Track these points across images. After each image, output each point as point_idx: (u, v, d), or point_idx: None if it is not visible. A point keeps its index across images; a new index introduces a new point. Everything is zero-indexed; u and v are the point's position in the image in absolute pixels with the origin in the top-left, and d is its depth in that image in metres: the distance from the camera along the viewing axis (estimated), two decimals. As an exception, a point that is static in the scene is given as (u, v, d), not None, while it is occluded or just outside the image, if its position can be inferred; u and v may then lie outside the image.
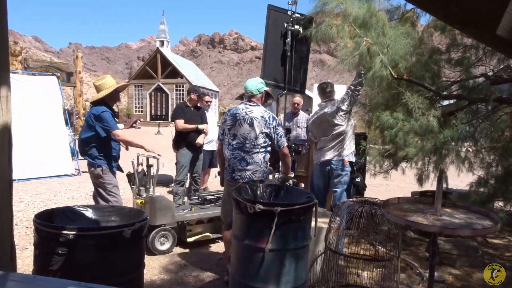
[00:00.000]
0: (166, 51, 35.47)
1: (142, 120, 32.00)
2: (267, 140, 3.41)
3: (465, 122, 3.62)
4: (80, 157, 8.45)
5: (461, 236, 3.88)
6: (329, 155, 4.23)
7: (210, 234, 4.46)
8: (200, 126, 5.64)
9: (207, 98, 6.57)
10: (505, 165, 3.92)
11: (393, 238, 2.88)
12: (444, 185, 3.60)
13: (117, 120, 4.02)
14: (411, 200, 2.83)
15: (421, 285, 3.38)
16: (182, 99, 32.20)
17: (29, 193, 6.69)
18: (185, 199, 4.87)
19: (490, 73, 4.12)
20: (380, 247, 3.16)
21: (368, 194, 5.70)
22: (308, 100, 19.21)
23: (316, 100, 4.61)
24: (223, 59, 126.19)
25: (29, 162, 7.81)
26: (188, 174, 5.84)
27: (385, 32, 3.53)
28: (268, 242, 2.44)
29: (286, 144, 3.50)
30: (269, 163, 3.60)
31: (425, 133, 3.41)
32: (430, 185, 4.17)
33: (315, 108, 4.70)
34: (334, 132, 4.20)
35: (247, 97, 3.53)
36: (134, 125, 26.40)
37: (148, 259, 3.72)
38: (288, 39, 4.50)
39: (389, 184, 9.16)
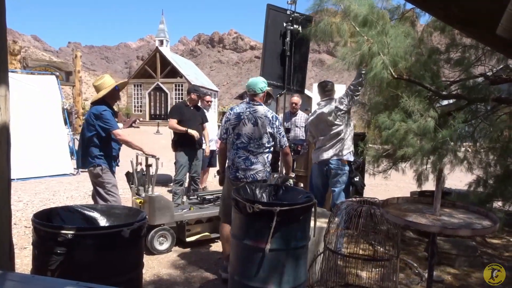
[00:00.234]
0: (166, 50, 35.44)
1: (141, 119, 31.97)
2: (270, 140, 3.42)
3: (463, 122, 3.62)
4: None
5: (460, 236, 3.88)
6: (328, 154, 4.22)
7: (209, 234, 4.46)
8: (190, 131, 5.48)
9: (208, 98, 6.60)
10: (504, 165, 3.92)
11: (392, 238, 2.88)
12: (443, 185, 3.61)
13: (116, 119, 4.01)
14: (410, 200, 2.83)
15: (420, 285, 3.38)
16: (182, 98, 32.18)
17: (28, 193, 6.68)
18: (184, 198, 4.87)
19: (490, 73, 4.12)
20: (379, 247, 3.16)
21: (367, 194, 5.70)
22: (308, 99, 19.18)
23: (316, 99, 4.61)
24: (222, 58, 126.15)
25: (28, 162, 7.80)
26: (188, 174, 5.83)
27: (386, 30, 3.52)
28: (267, 242, 2.44)
29: (287, 143, 3.51)
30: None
31: (423, 133, 3.41)
32: (430, 184, 4.16)
33: (314, 107, 4.69)
34: (332, 132, 4.19)
35: (249, 95, 3.53)
36: (133, 124, 26.37)
37: (147, 259, 3.72)
38: (288, 39, 4.50)
39: (388, 184, 9.16)
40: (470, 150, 4.07)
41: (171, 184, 7.56)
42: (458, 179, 4.28)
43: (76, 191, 7.05)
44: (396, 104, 3.85)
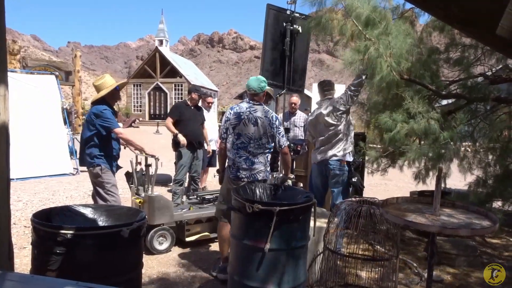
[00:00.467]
0: (165, 50, 35.43)
1: (140, 119, 31.95)
2: (270, 140, 3.42)
3: (464, 122, 3.63)
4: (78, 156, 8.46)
5: (459, 236, 3.88)
6: (326, 155, 4.21)
7: (209, 234, 4.46)
8: (179, 137, 5.49)
9: (209, 99, 6.65)
10: (504, 165, 3.92)
11: (391, 237, 2.88)
12: (443, 185, 3.61)
13: (116, 119, 4.02)
14: (410, 200, 2.82)
15: (420, 284, 3.38)
16: (181, 98, 32.17)
17: (27, 192, 6.68)
18: (184, 198, 4.86)
19: (489, 73, 4.13)
20: (378, 247, 3.16)
21: (366, 193, 5.70)
22: (307, 99, 19.19)
23: (315, 99, 4.61)
24: (222, 58, 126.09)
25: (27, 161, 7.79)
26: (188, 174, 5.83)
27: (388, 30, 3.50)
28: (267, 242, 2.43)
29: (287, 143, 3.50)
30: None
31: (425, 134, 3.41)
32: (429, 183, 4.17)
33: (314, 107, 4.68)
34: (331, 132, 4.16)
35: (249, 95, 3.51)
36: (132, 124, 26.35)
37: (146, 259, 3.72)
38: (287, 39, 4.50)
39: (388, 184, 9.16)
40: (469, 150, 4.08)
41: (171, 184, 7.57)
42: (458, 179, 4.28)
43: (75, 191, 7.05)
44: (396, 104, 3.85)
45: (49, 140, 8.57)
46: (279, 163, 4.56)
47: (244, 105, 3.46)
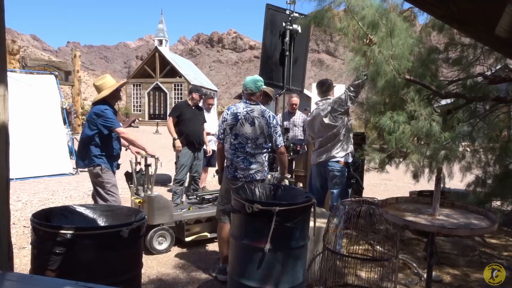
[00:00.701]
0: (165, 50, 35.43)
1: (140, 119, 31.95)
2: (267, 139, 3.42)
3: (464, 121, 3.63)
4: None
5: (459, 236, 3.88)
6: (325, 156, 4.20)
7: (208, 234, 4.46)
8: (176, 142, 5.61)
9: (210, 101, 6.70)
10: (503, 164, 3.93)
11: (391, 238, 2.88)
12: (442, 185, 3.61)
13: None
14: (409, 200, 2.83)
15: (419, 284, 3.38)
16: (181, 98, 32.19)
17: (26, 192, 6.67)
18: (184, 198, 4.86)
19: (488, 73, 4.13)
20: (378, 247, 3.16)
21: (366, 193, 5.70)
22: (307, 99, 19.22)
23: (315, 99, 4.60)
24: (221, 58, 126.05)
25: (27, 161, 7.79)
26: (188, 173, 5.84)
27: (393, 32, 3.47)
28: (267, 242, 2.43)
29: (283, 143, 3.50)
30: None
31: (426, 136, 3.41)
32: (427, 182, 4.17)
33: (313, 107, 4.67)
34: (330, 133, 4.14)
35: (246, 94, 3.51)
36: (132, 124, 26.29)
37: (146, 259, 3.72)
38: (287, 39, 4.50)
39: (387, 184, 9.17)
40: (468, 150, 4.08)
41: (170, 183, 7.57)
42: (457, 178, 4.29)
43: (75, 190, 7.05)
44: (395, 103, 3.85)
45: (48, 140, 8.57)
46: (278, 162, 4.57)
47: (241, 105, 3.46)
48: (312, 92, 17.25)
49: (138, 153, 4.28)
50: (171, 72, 34.43)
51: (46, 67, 14.36)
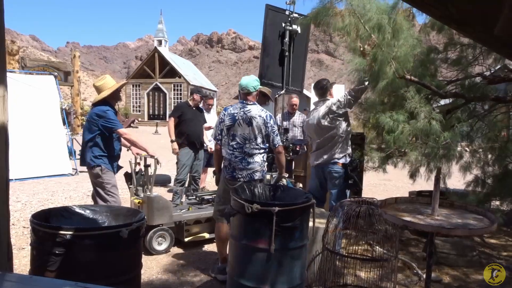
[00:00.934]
0: (164, 50, 35.44)
1: (140, 119, 31.95)
2: (265, 139, 3.42)
3: (463, 121, 3.63)
4: (77, 157, 8.45)
5: (458, 236, 3.88)
6: (323, 158, 4.20)
7: (208, 234, 4.46)
8: (173, 145, 5.69)
9: (210, 101, 6.73)
10: (503, 164, 3.93)
11: (390, 238, 2.89)
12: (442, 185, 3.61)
13: (117, 119, 4.03)
14: (409, 200, 2.83)
15: (419, 285, 3.39)
16: (180, 98, 32.22)
17: (26, 193, 6.67)
18: (183, 198, 4.87)
19: (487, 73, 4.14)
20: (377, 247, 3.16)
21: (366, 194, 5.71)
22: (306, 100, 19.23)
23: (314, 99, 4.60)
24: (221, 58, 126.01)
25: (26, 162, 7.78)
26: (188, 174, 5.86)
27: (398, 33, 3.46)
28: (271, 243, 2.43)
29: (281, 143, 3.50)
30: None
31: (426, 135, 3.41)
32: (425, 182, 4.17)
33: (312, 107, 4.67)
34: (327, 135, 4.12)
35: (242, 94, 3.51)
36: (131, 124, 26.33)
37: (145, 259, 3.72)
38: (286, 39, 4.50)
39: (387, 184, 9.18)
40: (468, 149, 4.09)
41: (170, 184, 7.58)
42: (456, 178, 4.29)
43: (74, 191, 7.04)
44: (394, 103, 3.85)
45: (48, 141, 8.57)
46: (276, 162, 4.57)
47: (237, 106, 3.46)
48: (311, 92, 17.23)
49: (138, 153, 4.29)
50: (171, 72, 34.44)
51: (45, 68, 14.37)
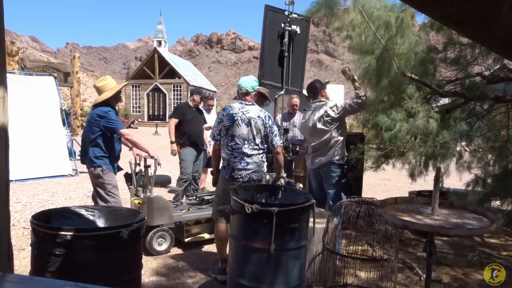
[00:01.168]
0: (164, 51, 35.44)
1: (139, 120, 31.96)
2: (264, 140, 3.42)
3: (463, 120, 3.63)
4: (77, 157, 8.45)
5: (458, 236, 3.89)
6: (319, 161, 4.22)
7: (208, 235, 4.46)
8: (173, 147, 5.75)
9: (211, 102, 6.75)
10: (503, 164, 3.93)
11: (390, 238, 2.89)
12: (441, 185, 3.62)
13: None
14: (408, 200, 2.83)
15: (419, 285, 3.39)
16: (180, 99, 32.23)
17: (26, 194, 6.67)
18: (183, 199, 4.87)
19: (487, 73, 4.14)
20: (377, 247, 3.17)
21: (366, 193, 5.71)
22: (306, 100, 19.23)
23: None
24: (220, 59, 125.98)
25: (26, 163, 7.78)
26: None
27: (403, 31, 3.46)
28: (271, 243, 2.43)
29: (280, 143, 3.50)
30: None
31: (424, 134, 3.41)
32: (423, 181, 4.17)
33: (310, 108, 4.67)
34: (322, 138, 4.14)
35: (241, 95, 3.51)
36: (131, 125, 26.36)
37: (145, 260, 3.72)
38: (286, 39, 4.50)
39: (387, 184, 9.18)
40: (468, 149, 4.09)
41: (170, 185, 7.58)
42: (456, 178, 4.29)
43: (74, 192, 7.04)
44: (393, 102, 3.85)
45: (48, 142, 8.57)
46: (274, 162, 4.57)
47: (236, 106, 3.46)
48: (311, 92, 17.20)
49: (138, 154, 4.30)
50: (170, 73, 34.45)
51: (45, 69, 14.38)
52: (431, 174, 3.90)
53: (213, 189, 5.79)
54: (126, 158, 4.35)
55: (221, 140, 3.48)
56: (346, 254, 3.04)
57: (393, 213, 2.44)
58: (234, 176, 3.37)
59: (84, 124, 4.27)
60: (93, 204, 4.08)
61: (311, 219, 2.70)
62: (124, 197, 5.83)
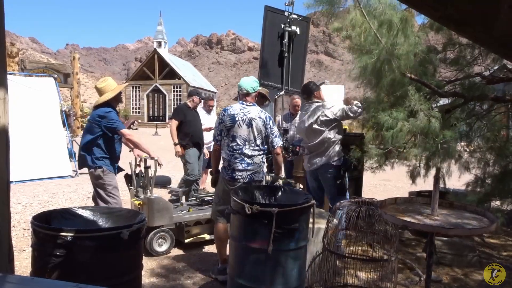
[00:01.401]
0: (164, 52, 35.45)
1: (139, 121, 31.96)
2: (264, 141, 3.43)
3: (463, 120, 3.63)
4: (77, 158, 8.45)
5: (458, 236, 3.89)
6: (316, 162, 4.22)
7: (208, 235, 4.46)
8: (177, 148, 5.75)
9: (211, 102, 6.76)
10: (502, 164, 3.93)
11: (390, 238, 2.89)
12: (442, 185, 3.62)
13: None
14: (408, 200, 2.84)
15: (419, 285, 3.39)
16: (180, 100, 32.23)
17: (26, 195, 6.67)
18: (183, 200, 4.87)
19: (486, 73, 4.14)
20: (377, 248, 3.17)
21: (366, 194, 5.71)
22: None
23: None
24: (220, 60, 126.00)
25: (26, 164, 7.79)
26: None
27: (405, 31, 3.46)
28: (269, 243, 2.44)
29: (280, 144, 3.51)
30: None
31: (424, 134, 3.41)
32: (423, 181, 4.17)
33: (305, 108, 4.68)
34: (318, 139, 4.15)
35: (241, 95, 3.51)
36: (131, 126, 26.33)
37: (146, 261, 3.72)
38: (285, 40, 4.52)
39: (387, 184, 9.18)
40: (467, 149, 4.09)
41: (170, 185, 7.58)
42: (456, 178, 4.29)
43: (74, 193, 7.05)
44: (394, 102, 3.85)
45: (48, 143, 8.58)
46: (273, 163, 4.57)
47: (237, 107, 3.46)
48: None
49: (138, 155, 4.30)
50: (170, 74, 34.46)
51: (45, 70, 14.39)
52: (431, 174, 3.91)
53: (213, 190, 5.80)
54: (126, 159, 4.35)
55: (221, 140, 3.48)
56: (346, 255, 3.05)
57: (393, 213, 2.44)
58: (234, 176, 3.38)
59: (84, 125, 4.27)
60: (93, 205, 4.08)
61: (311, 220, 2.71)
62: (125, 198, 5.83)
